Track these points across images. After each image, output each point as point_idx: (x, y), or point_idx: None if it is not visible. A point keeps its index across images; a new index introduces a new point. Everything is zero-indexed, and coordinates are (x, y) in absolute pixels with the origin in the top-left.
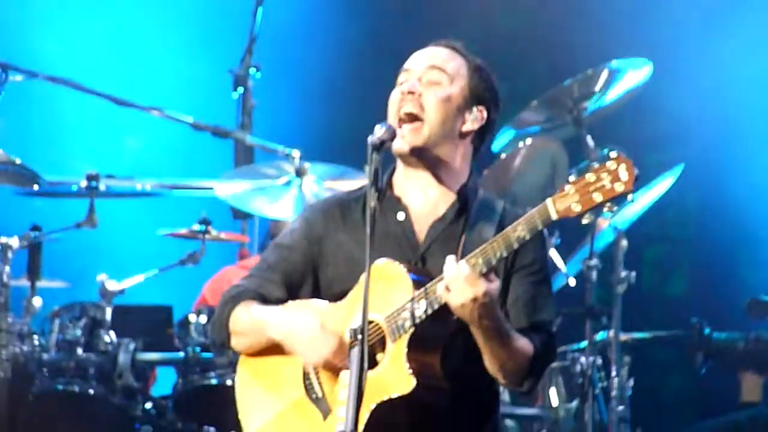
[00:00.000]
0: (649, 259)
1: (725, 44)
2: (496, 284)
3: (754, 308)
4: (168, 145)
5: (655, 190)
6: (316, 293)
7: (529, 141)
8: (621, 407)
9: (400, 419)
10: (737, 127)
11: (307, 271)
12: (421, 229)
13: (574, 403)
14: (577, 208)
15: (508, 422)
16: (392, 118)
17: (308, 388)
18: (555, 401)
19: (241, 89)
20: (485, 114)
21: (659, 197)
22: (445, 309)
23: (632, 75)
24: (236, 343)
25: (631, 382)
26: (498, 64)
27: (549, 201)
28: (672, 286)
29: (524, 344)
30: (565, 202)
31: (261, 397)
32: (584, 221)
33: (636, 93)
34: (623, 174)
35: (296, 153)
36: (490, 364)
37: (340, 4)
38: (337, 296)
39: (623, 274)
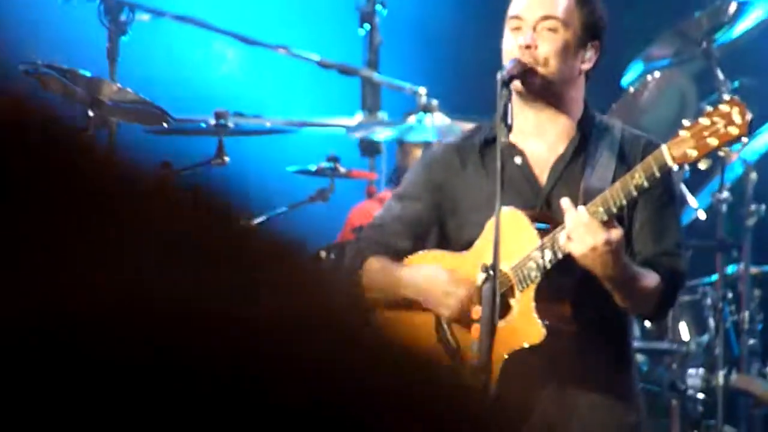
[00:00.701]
0: None
1: None
2: (617, 232)
3: None
4: (295, 83)
5: None
6: (443, 242)
7: (657, 74)
8: (752, 341)
9: (533, 366)
10: None
11: (432, 221)
12: (542, 172)
13: (705, 337)
14: (693, 154)
15: (639, 357)
16: (506, 58)
17: (442, 340)
18: (685, 335)
19: (367, 26)
20: (599, 47)
21: None
22: (570, 257)
23: (761, 8)
24: (369, 297)
25: (762, 316)
26: None
27: (664, 147)
28: None
29: (652, 281)
30: (680, 147)
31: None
32: (701, 166)
33: (766, 23)
34: (737, 117)
35: (422, 90)
36: (622, 302)
37: None
38: (465, 244)
39: (753, 207)
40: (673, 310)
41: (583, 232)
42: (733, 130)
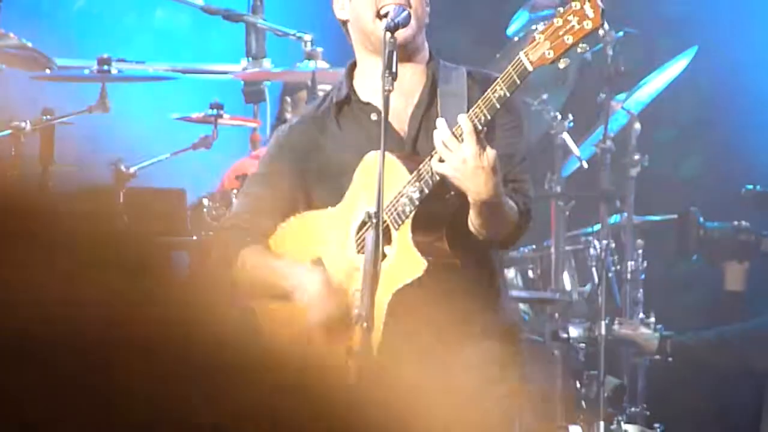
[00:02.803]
0: (662, 142)
1: None
2: (489, 149)
3: (747, 198)
4: (179, 29)
5: (668, 73)
6: (312, 209)
7: (541, 24)
8: (634, 291)
9: (419, 303)
10: (753, 6)
11: (298, 192)
12: (402, 124)
13: (588, 287)
14: (550, 55)
15: (521, 306)
16: (368, 13)
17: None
18: (568, 285)
19: None
20: None
21: (672, 80)
22: (441, 186)
23: None
24: (244, 293)
25: (644, 266)
26: None
27: (521, 54)
28: (684, 170)
29: (512, 207)
30: (537, 51)
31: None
32: (561, 65)
33: None
34: (589, 11)
35: (308, 37)
36: (480, 227)
37: None
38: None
39: (636, 157)
40: (555, 260)
41: (450, 151)
42: (588, 24)
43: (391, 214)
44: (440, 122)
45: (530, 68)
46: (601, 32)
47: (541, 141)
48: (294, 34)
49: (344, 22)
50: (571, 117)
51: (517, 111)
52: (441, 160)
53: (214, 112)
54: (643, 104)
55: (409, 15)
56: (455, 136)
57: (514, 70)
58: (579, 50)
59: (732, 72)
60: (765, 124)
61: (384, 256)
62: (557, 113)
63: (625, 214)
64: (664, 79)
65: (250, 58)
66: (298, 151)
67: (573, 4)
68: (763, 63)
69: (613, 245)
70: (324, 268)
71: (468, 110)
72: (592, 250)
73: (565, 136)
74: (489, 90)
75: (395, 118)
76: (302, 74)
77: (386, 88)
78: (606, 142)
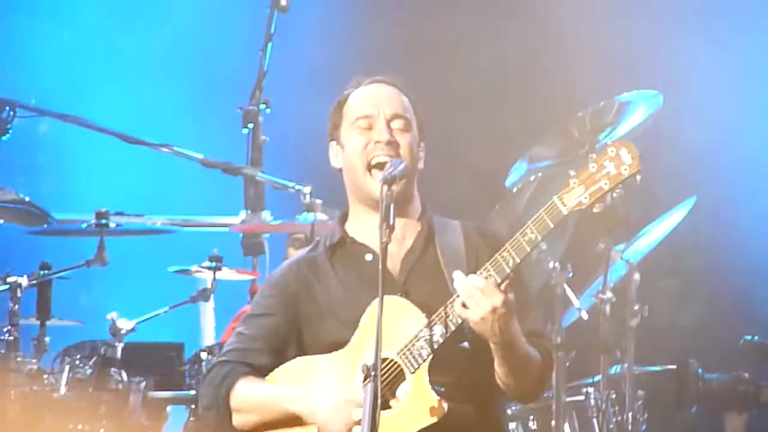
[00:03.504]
0: (662, 292)
1: (737, 75)
2: (511, 295)
3: (746, 349)
4: (178, 182)
5: (667, 223)
6: (301, 351)
7: (540, 175)
8: None
9: None
10: (750, 159)
11: (290, 333)
12: (394, 265)
13: None
14: (586, 200)
15: None
16: (361, 167)
17: None
18: None
19: (251, 125)
20: (424, 147)
21: (671, 230)
22: (459, 331)
23: (643, 107)
24: (240, 421)
25: (645, 416)
26: (509, 98)
27: (555, 198)
28: (683, 320)
29: (535, 355)
30: (572, 196)
31: None
32: (595, 210)
33: (647, 125)
34: (626, 157)
35: (307, 189)
36: (505, 377)
37: (348, 40)
38: (327, 348)
39: (636, 307)
40: (556, 410)
41: (479, 297)
42: (625, 170)
43: (406, 357)
44: (457, 274)
45: (565, 212)
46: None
47: (540, 292)
48: (293, 187)
49: (339, 170)
50: (570, 267)
51: (518, 269)
52: (465, 306)
53: (213, 264)
54: (643, 254)
55: (406, 167)
56: (482, 286)
57: (547, 213)
58: (614, 195)
59: (731, 222)
60: (764, 275)
61: (390, 400)
62: (557, 263)
63: (626, 365)
64: (663, 229)
65: (249, 211)
66: (290, 293)
67: (609, 149)
68: (762, 214)
69: (613, 396)
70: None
71: (467, 261)
72: (592, 401)
73: (565, 286)
74: (518, 233)
75: (390, 255)
76: (301, 226)
77: (383, 240)
78: (606, 293)
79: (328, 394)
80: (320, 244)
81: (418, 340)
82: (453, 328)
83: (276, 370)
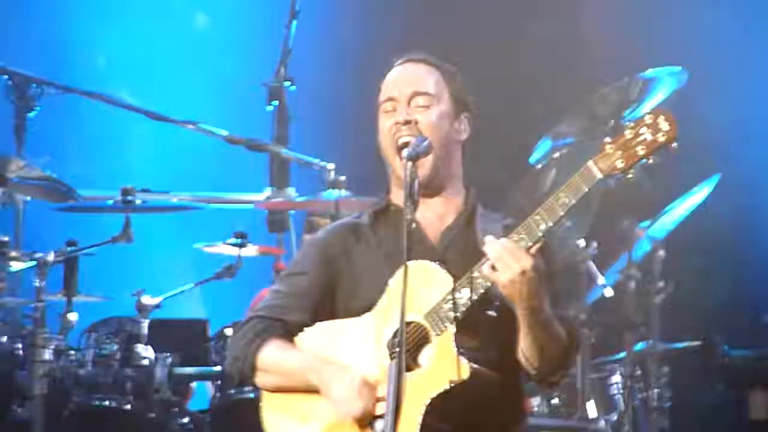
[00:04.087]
0: (687, 269)
1: (764, 52)
2: (540, 260)
3: None
4: (203, 159)
5: (691, 200)
6: (335, 312)
7: (564, 152)
8: (661, 419)
9: (454, 410)
10: None
11: (325, 293)
12: (434, 236)
13: (613, 415)
14: (620, 164)
15: None
16: (390, 148)
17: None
18: (593, 413)
19: (275, 102)
20: (470, 119)
21: (695, 207)
22: (486, 296)
23: (668, 83)
24: (262, 380)
25: (670, 393)
26: (533, 76)
27: (590, 162)
28: (708, 297)
29: (561, 331)
30: (607, 160)
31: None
32: (629, 176)
33: (672, 102)
34: (664, 124)
35: (331, 166)
36: (529, 350)
37: (375, 16)
38: (358, 310)
39: (661, 284)
40: (581, 387)
41: (509, 258)
42: (662, 137)
43: (433, 319)
44: (490, 238)
45: (600, 176)
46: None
47: (565, 268)
48: (317, 164)
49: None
50: (595, 244)
51: (550, 253)
52: (494, 268)
53: (238, 241)
54: (667, 230)
55: (430, 144)
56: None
57: (581, 178)
58: (650, 161)
59: (755, 198)
60: None
61: (416, 366)
62: (582, 240)
63: (651, 342)
64: (687, 206)
65: (274, 188)
66: (328, 254)
67: (646, 117)
68: None
69: (638, 372)
70: (355, 371)
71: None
72: (617, 378)
73: (590, 263)
74: (551, 197)
75: (429, 228)
76: (326, 203)
77: (407, 216)
78: (630, 270)
79: (344, 376)
80: (365, 213)
81: (445, 303)
82: (482, 290)
83: (305, 332)
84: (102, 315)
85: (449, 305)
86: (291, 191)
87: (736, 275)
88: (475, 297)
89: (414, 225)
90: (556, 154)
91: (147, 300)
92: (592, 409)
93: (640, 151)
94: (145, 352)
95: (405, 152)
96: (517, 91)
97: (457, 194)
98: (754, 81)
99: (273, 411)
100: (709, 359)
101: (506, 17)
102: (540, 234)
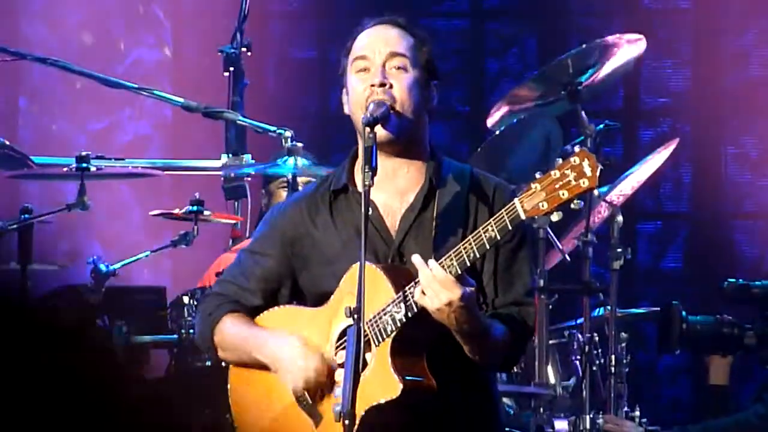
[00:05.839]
0: (645, 234)
1: (720, 17)
2: (471, 288)
3: (729, 292)
4: (158, 125)
5: (649, 165)
6: (296, 296)
7: (522, 117)
8: (619, 384)
9: (392, 421)
10: (732, 101)
11: (284, 276)
12: (393, 222)
13: (572, 381)
14: (544, 207)
15: (505, 401)
16: (360, 108)
17: (301, 402)
18: (552, 379)
19: (231, 69)
20: (438, 86)
21: (653, 172)
22: (426, 311)
23: (626, 50)
24: (223, 355)
25: (629, 359)
26: (490, 41)
27: (517, 201)
28: (667, 262)
29: (503, 334)
30: (532, 200)
31: (254, 405)
32: (554, 218)
33: (630, 67)
34: (587, 169)
35: (288, 133)
36: (471, 354)
37: None
38: (320, 296)
39: (619, 249)
40: (539, 353)
41: (437, 288)
42: (584, 183)
43: (373, 329)
44: (416, 258)
45: (523, 217)
46: (584, 120)
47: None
48: (274, 131)
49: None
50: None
51: (521, 230)
52: (424, 293)
53: (195, 208)
54: (625, 197)
55: (388, 110)
56: (438, 275)
57: (507, 215)
58: (573, 206)
59: (714, 164)
60: (746, 218)
61: (365, 364)
62: None
63: (609, 307)
64: (645, 171)
65: (230, 155)
66: (287, 236)
67: (572, 159)
68: (744, 157)
69: (596, 338)
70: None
71: (466, 224)
72: (575, 344)
73: (548, 229)
74: (481, 228)
75: (389, 215)
76: (282, 170)
77: (366, 183)
78: (588, 235)
79: (290, 349)
80: (325, 184)
81: (385, 314)
82: (415, 310)
83: (265, 312)
84: (58, 283)
85: (388, 318)
86: (248, 158)
87: (694, 241)
88: (410, 314)
89: (371, 212)
90: (515, 120)
91: (103, 267)
92: (551, 374)
93: (563, 194)
94: (101, 320)
95: (363, 118)
96: (473, 56)
97: (422, 166)
98: (709, 47)
99: (238, 385)
100: (667, 325)
101: None
102: (468, 264)
